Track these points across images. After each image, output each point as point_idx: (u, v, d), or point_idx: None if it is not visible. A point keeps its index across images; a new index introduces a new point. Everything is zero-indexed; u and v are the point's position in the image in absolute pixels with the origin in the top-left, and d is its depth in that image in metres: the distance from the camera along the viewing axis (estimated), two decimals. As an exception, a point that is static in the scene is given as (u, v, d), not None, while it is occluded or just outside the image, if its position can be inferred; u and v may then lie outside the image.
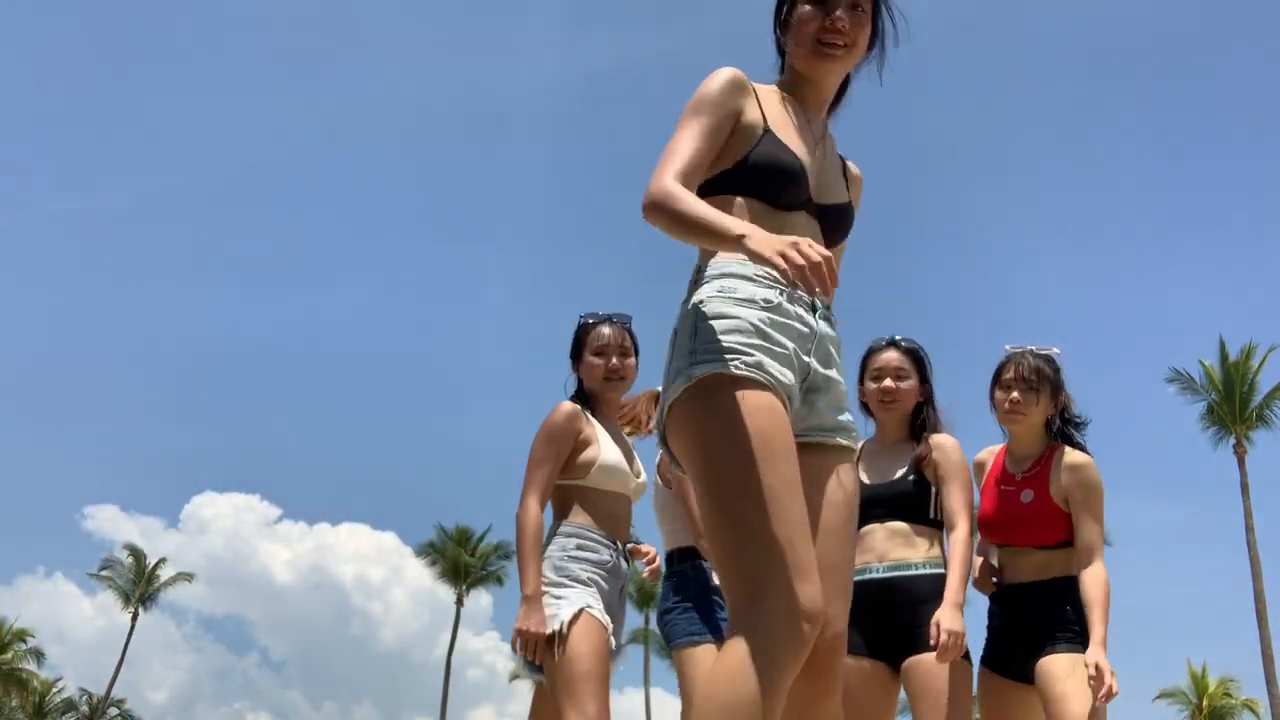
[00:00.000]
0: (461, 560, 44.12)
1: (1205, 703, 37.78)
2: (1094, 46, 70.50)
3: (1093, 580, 3.45)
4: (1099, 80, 69.02)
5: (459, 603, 44.59)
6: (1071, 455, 3.58)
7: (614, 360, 3.70)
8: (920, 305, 68.18)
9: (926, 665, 3.38)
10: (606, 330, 3.73)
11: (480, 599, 45.06)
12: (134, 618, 44.08)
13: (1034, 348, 3.70)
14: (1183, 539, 58.64)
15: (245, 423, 68.84)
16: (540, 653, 3.29)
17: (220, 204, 72.20)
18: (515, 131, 74.21)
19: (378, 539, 58.88)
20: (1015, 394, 3.60)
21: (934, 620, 3.30)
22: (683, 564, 3.98)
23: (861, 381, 3.82)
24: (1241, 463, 32.17)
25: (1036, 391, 3.61)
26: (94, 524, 66.70)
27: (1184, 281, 65.26)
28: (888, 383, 3.69)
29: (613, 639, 3.43)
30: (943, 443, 3.61)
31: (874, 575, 3.53)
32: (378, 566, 58.79)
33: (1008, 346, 3.72)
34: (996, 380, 3.70)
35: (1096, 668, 3.30)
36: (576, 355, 3.78)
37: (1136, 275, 64.78)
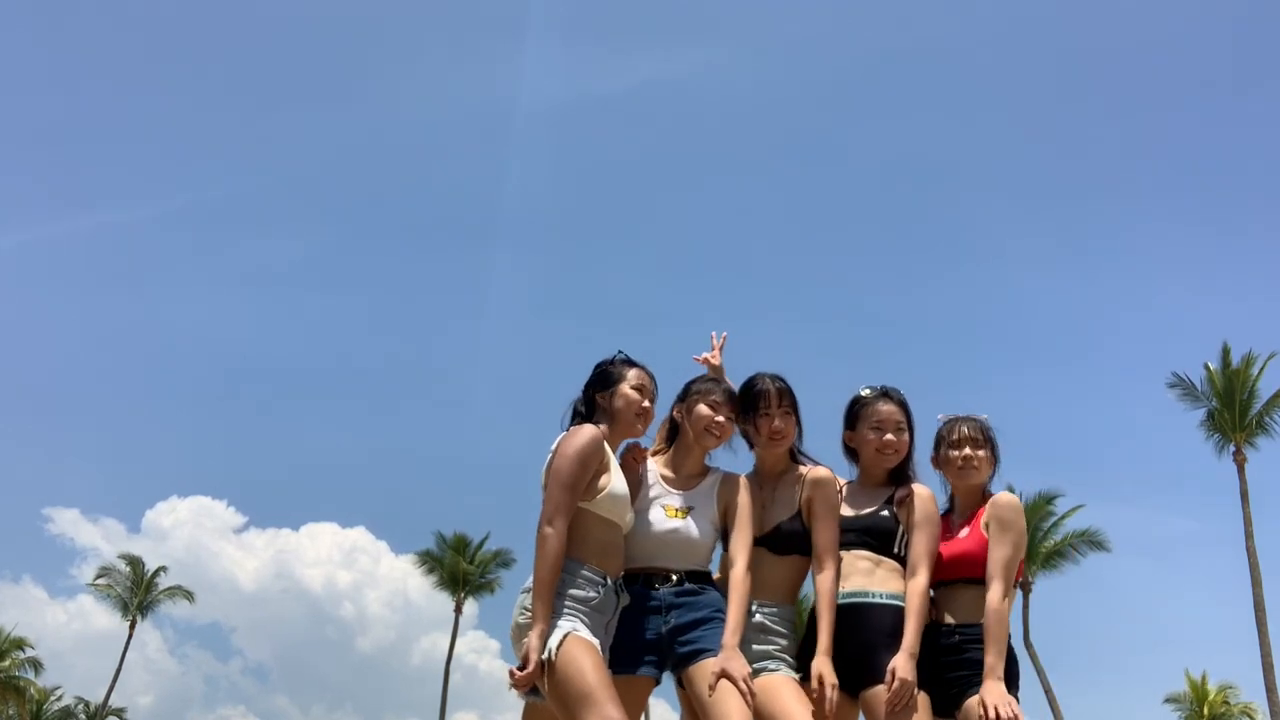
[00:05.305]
0: (460, 568, 44.09)
1: (1206, 710, 37.81)
2: (1098, 50, 70.69)
3: (986, 609, 3.67)
4: (1104, 84, 69.20)
5: (458, 610, 44.60)
6: (999, 495, 3.90)
7: (647, 402, 3.79)
8: (924, 311, 68.34)
9: (883, 697, 3.55)
10: (645, 373, 3.84)
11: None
12: (132, 625, 44.09)
13: (968, 415, 4.04)
14: (1184, 546, 58.59)
15: (222, 430, 68.15)
16: (531, 680, 3.29)
17: (212, 216, 72.18)
18: (516, 147, 74.21)
19: (350, 540, 58.49)
20: (968, 450, 3.92)
21: (890, 668, 3.52)
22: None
23: (852, 427, 4.03)
24: (1241, 470, 32.19)
25: (985, 449, 3.94)
26: (56, 528, 66.19)
27: (1189, 288, 65.44)
28: (889, 437, 3.92)
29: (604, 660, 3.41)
30: (921, 492, 3.87)
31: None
32: (349, 570, 58.51)
33: (941, 415, 4.08)
34: (944, 442, 3.99)
35: (987, 708, 3.50)
36: (605, 384, 3.80)
37: (1140, 281, 64.89)
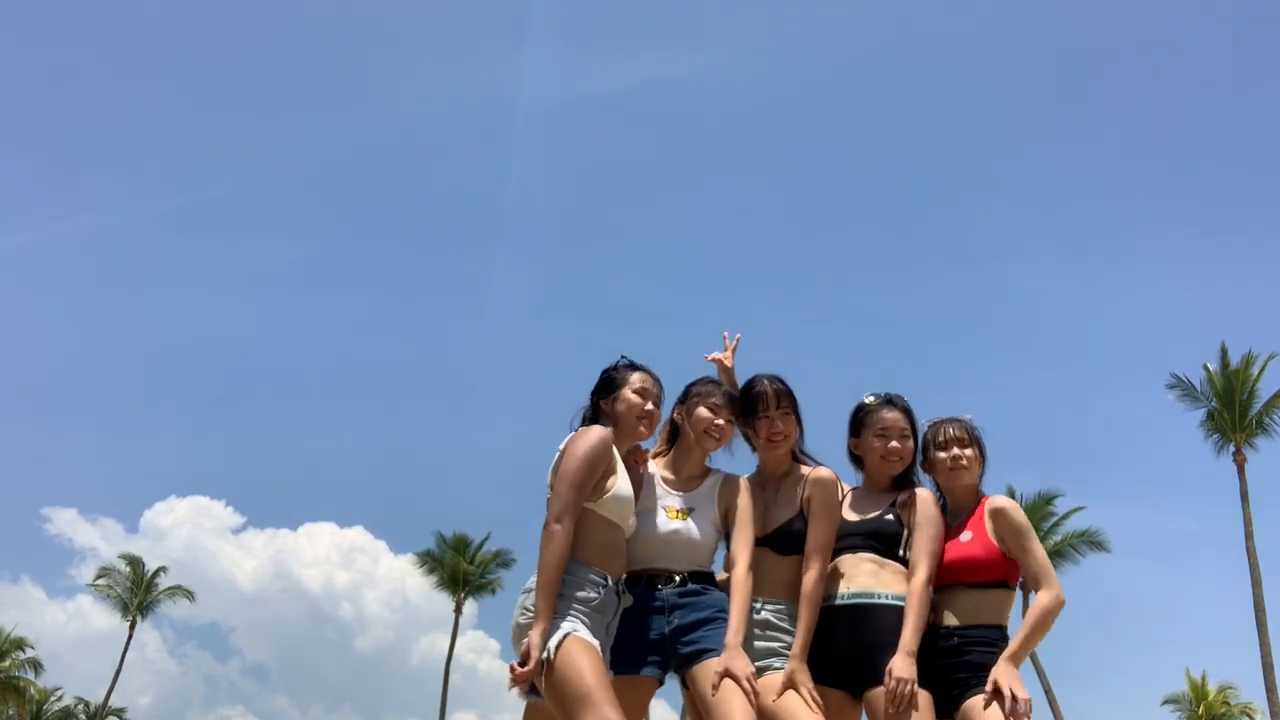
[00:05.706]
0: (460, 568, 44.09)
1: (1206, 710, 37.83)
2: (1098, 50, 70.66)
3: (1035, 602, 3.71)
4: (1104, 84, 69.19)
5: (458, 610, 44.60)
6: (995, 500, 3.87)
7: (650, 405, 3.80)
8: (924, 311, 68.32)
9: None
10: (649, 377, 3.85)
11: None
12: (132, 625, 44.07)
13: (952, 416, 4.04)
14: (1184, 546, 58.57)
15: (220, 430, 68.15)
16: (531, 677, 3.31)
17: (212, 216, 72.16)
18: (516, 147, 74.28)
19: (349, 540, 58.36)
20: (955, 450, 3.93)
21: (888, 668, 3.54)
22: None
23: (857, 434, 4.06)
24: (1241, 470, 32.22)
25: (972, 447, 3.95)
26: (55, 528, 65.97)
27: (1189, 288, 65.40)
28: (894, 444, 3.95)
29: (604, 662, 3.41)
30: (923, 494, 3.90)
31: (838, 602, 3.76)
32: (347, 570, 58.41)
33: (927, 420, 4.07)
34: (932, 443, 3.99)
35: (995, 684, 3.53)
36: (609, 390, 3.82)
37: (1140, 281, 64.89)
